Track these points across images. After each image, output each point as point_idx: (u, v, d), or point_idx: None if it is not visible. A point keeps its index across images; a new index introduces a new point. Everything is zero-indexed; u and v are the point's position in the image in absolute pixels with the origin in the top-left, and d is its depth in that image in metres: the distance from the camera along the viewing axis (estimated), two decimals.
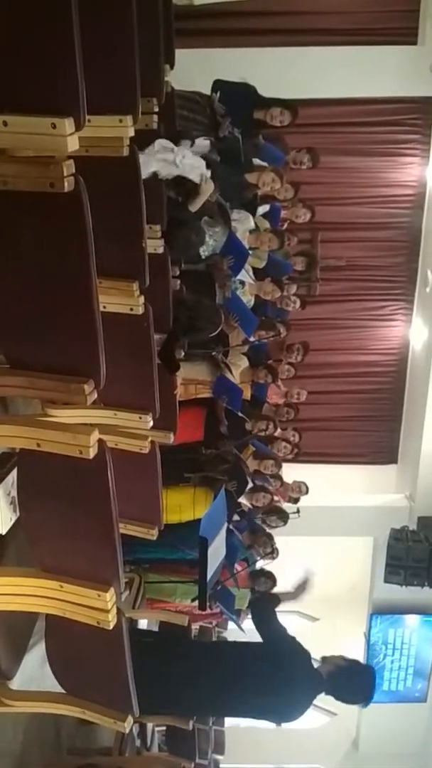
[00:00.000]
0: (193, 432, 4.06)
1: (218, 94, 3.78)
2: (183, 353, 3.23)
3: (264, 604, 3.49)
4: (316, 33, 6.16)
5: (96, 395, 1.69)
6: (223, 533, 3.49)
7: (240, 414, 4.36)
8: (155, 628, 4.21)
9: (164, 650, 3.03)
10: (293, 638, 3.11)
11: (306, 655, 3.03)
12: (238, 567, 4.42)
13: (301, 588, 3.86)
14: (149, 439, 2.45)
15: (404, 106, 6.43)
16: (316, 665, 3.03)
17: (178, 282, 3.36)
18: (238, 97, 4.00)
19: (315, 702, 3.03)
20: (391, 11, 6.17)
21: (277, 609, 3.47)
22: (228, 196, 3.90)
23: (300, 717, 3.01)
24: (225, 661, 3.07)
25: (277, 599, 3.73)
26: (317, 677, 2.96)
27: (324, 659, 3.05)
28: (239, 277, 4.23)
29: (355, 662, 3.08)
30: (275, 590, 4.46)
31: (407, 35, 6.12)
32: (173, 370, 3.17)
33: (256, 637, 3.24)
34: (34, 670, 2.27)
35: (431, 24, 5.86)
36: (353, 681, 3.04)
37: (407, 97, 6.35)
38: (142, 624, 4.39)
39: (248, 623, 4.32)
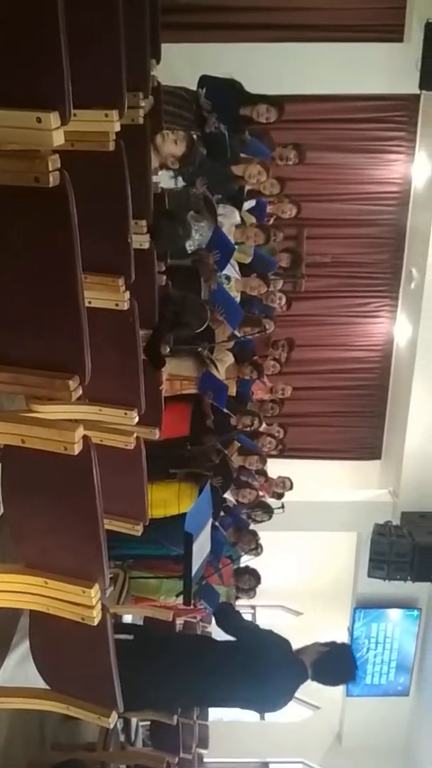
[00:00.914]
0: (178, 428, 4.06)
1: (204, 89, 3.77)
2: (168, 349, 3.23)
3: (225, 608, 3.50)
4: (303, 29, 6.16)
5: (81, 391, 1.68)
6: (208, 529, 3.50)
7: (225, 410, 4.36)
8: (140, 623, 4.21)
9: (146, 644, 3.03)
10: (269, 630, 3.13)
11: (286, 643, 3.06)
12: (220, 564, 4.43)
13: None
14: (134, 435, 2.45)
15: (390, 103, 6.45)
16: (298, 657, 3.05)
17: (164, 277, 3.36)
18: (225, 93, 3.99)
19: (298, 696, 3.05)
20: (378, 8, 6.18)
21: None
22: (214, 189, 3.90)
23: (284, 706, 3.02)
24: (207, 652, 3.09)
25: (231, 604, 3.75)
26: (299, 665, 2.99)
27: (300, 651, 3.06)
28: (225, 272, 4.23)
29: (332, 645, 3.09)
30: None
31: (394, 32, 6.13)
32: (159, 365, 3.16)
33: None
34: (14, 669, 2.27)
35: (417, 21, 5.86)
36: (335, 665, 3.06)
37: (393, 95, 6.37)
38: (127, 618, 4.38)
39: None
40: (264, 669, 2.93)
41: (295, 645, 3.10)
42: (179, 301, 3.36)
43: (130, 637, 2.99)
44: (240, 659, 2.98)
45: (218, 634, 4.10)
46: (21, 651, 2.24)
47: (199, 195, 3.71)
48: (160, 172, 3.29)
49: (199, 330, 3.56)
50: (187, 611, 4.65)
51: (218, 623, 3.34)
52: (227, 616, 3.30)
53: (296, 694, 3.08)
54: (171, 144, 3.12)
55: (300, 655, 3.03)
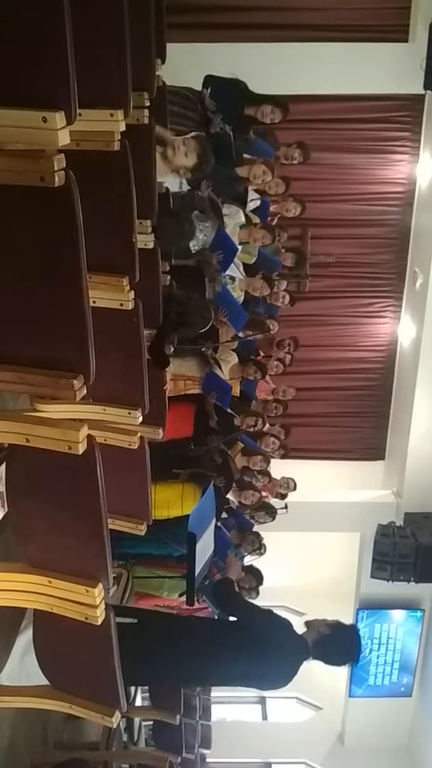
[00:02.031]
0: (182, 428, 4.06)
1: (209, 89, 3.77)
2: (173, 349, 3.23)
3: (225, 587, 3.45)
4: (308, 29, 6.15)
5: (85, 390, 1.68)
6: (211, 529, 3.50)
7: (229, 410, 4.36)
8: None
9: (149, 627, 3.03)
10: (268, 610, 3.13)
11: (286, 621, 3.06)
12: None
13: None
14: (138, 434, 2.45)
15: (395, 103, 6.45)
16: (300, 632, 3.05)
17: (168, 277, 3.36)
18: (229, 93, 3.99)
19: (300, 696, 3.05)
20: (383, 8, 6.17)
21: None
22: (219, 191, 3.90)
23: (286, 683, 3.01)
24: (210, 631, 3.09)
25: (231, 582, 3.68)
26: (302, 641, 2.98)
27: (307, 624, 3.06)
28: (228, 272, 4.23)
29: (338, 624, 3.09)
30: None
31: (398, 32, 6.12)
32: (163, 366, 3.16)
33: None
34: (14, 662, 2.27)
35: (422, 21, 5.86)
36: (339, 643, 3.05)
37: (398, 95, 6.36)
38: None
39: None
40: (265, 643, 2.93)
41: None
42: (183, 301, 3.37)
43: (134, 620, 2.98)
44: (241, 634, 2.98)
45: None
46: (19, 645, 2.24)
47: (204, 197, 3.71)
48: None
49: (203, 330, 3.56)
50: (190, 611, 4.64)
51: (216, 600, 3.31)
52: (221, 591, 3.28)
53: (299, 695, 3.07)
54: (182, 156, 3.13)
55: (306, 630, 3.03)
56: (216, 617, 3.65)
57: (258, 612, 3.11)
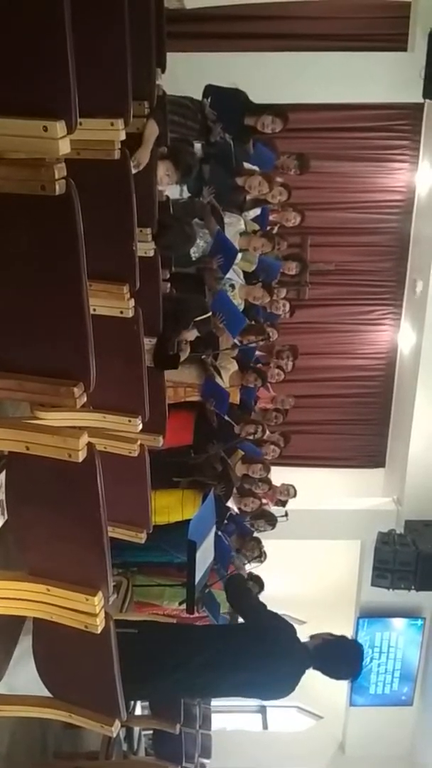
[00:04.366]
0: (182, 435, 4.07)
1: (209, 99, 3.79)
2: (187, 342, 3.28)
3: (238, 581, 3.46)
4: (307, 38, 6.18)
5: (85, 398, 1.69)
6: (211, 536, 3.49)
7: (226, 418, 4.35)
8: None
9: (149, 636, 3.02)
10: (275, 613, 3.11)
11: (290, 628, 3.03)
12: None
13: None
14: (138, 442, 2.45)
15: (394, 112, 6.47)
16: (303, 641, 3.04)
17: (169, 285, 3.37)
18: (229, 103, 4.00)
19: (301, 705, 3.03)
20: (382, 18, 6.21)
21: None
22: (221, 198, 3.91)
23: (289, 693, 2.99)
24: (210, 640, 3.06)
25: (260, 580, 3.70)
26: (304, 650, 2.96)
27: (312, 636, 3.05)
28: (228, 276, 4.23)
29: (343, 637, 3.08)
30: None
31: (397, 42, 6.15)
32: (171, 366, 3.21)
33: None
34: (18, 667, 2.26)
35: (421, 30, 5.88)
36: (340, 655, 3.04)
37: (397, 104, 6.38)
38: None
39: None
40: (269, 645, 2.91)
41: None
42: (178, 298, 3.40)
43: (135, 630, 2.97)
44: (245, 638, 2.97)
45: None
46: (25, 646, 2.24)
47: (205, 204, 3.73)
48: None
49: (200, 317, 3.57)
50: (190, 619, 4.63)
51: (227, 593, 3.34)
52: (238, 588, 3.28)
53: (300, 704, 3.05)
54: (166, 178, 3.15)
55: (310, 640, 3.01)
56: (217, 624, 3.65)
57: (265, 612, 3.11)
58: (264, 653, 2.90)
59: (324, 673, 3.03)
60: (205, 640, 3.08)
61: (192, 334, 3.53)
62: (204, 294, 3.88)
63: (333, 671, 3.07)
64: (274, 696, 3.12)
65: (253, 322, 4.78)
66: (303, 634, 3.07)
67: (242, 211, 4.49)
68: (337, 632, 3.11)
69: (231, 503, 4.51)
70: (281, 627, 3.03)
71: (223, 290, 4.10)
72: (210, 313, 3.74)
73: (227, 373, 4.43)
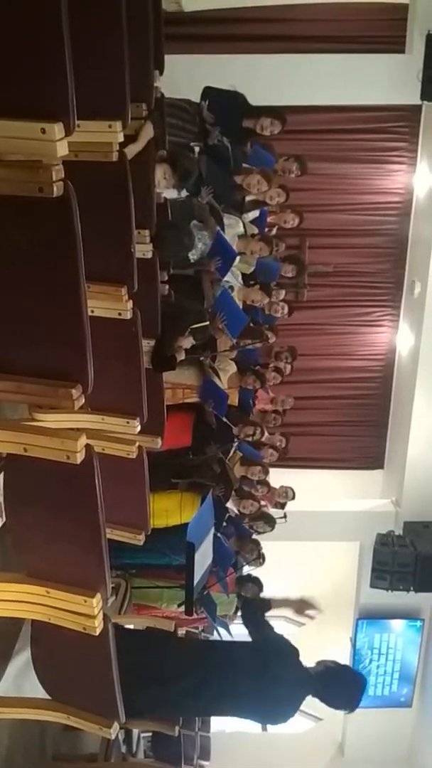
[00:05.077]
0: (180, 437, 4.06)
1: (207, 102, 3.79)
2: (189, 342, 3.28)
3: (255, 604, 3.47)
4: (306, 41, 6.20)
5: (84, 400, 1.69)
6: (210, 538, 3.49)
7: (226, 420, 4.35)
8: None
9: (150, 650, 3.00)
10: (281, 636, 3.10)
11: (294, 652, 3.01)
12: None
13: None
14: (137, 444, 2.45)
15: (392, 113, 6.48)
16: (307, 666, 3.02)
17: (167, 287, 3.37)
18: (228, 106, 4.00)
19: (301, 707, 3.01)
20: (380, 20, 6.22)
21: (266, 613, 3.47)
22: (219, 199, 3.90)
23: (289, 719, 2.98)
24: (212, 659, 3.04)
25: (268, 603, 3.72)
26: (306, 676, 2.94)
27: (317, 662, 3.03)
28: (226, 278, 4.23)
29: (347, 667, 3.06)
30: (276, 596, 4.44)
31: (395, 44, 6.17)
32: (169, 368, 3.21)
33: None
34: (15, 677, 2.26)
35: (419, 32, 5.90)
36: (342, 685, 3.01)
37: (395, 105, 6.40)
38: (128, 627, 4.37)
39: (236, 628, 4.31)
40: (273, 677, 2.89)
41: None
42: (177, 307, 3.41)
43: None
44: (248, 665, 2.94)
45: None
46: (22, 659, 2.23)
47: (204, 205, 3.72)
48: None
49: (198, 316, 3.59)
50: (188, 621, 4.63)
51: (243, 614, 3.36)
52: (253, 610, 3.30)
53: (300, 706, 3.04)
54: (164, 182, 3.15)
55: (314, 666, 3.00)
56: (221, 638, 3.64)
57: (274, 633, 3.10)
58: (265, 677, 2.87)
59: (321, 701, 2.98)
60: (206, 657, 3.04)
61: (188, 342, 3.53)
62: (202, 300, 3.89)
63: (331, 699, 3.02)
64: (271, 720, 3.10)
65: (251, 324, 4.77)
66: (303, 635, 3.07)
67: (241, 212, 4.49)
68: (337, 634, 3.10)
69: (230, 505, 4.50)
70: (285, 651, 3.00)
71: (223, 287, 4.09)
72: (207, 322, 3.74)
73: (226, 375, 4.43)
